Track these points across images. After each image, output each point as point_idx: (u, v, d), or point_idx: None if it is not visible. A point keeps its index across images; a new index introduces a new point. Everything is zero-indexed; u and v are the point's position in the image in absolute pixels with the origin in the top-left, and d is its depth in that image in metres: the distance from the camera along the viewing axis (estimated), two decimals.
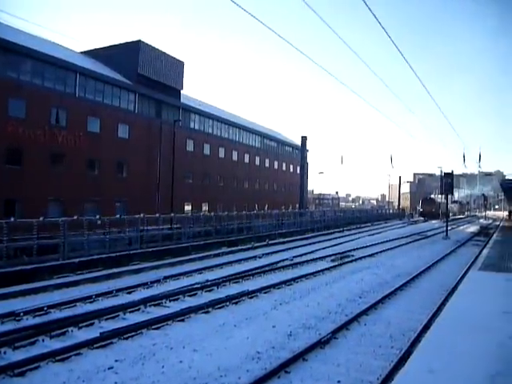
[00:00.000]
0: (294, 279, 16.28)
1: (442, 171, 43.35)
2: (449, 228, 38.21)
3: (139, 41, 36.16)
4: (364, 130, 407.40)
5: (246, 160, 51.72)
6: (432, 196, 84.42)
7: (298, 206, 50.55)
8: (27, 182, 25.81)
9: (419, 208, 78.76)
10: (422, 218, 70.51)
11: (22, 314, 10.92)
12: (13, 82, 25.95)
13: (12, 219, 16.71)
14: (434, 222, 61.47)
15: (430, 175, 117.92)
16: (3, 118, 25.14)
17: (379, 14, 13.51)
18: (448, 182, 37.05)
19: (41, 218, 17.24)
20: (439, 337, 8.05)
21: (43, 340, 9.29)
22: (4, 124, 25.09)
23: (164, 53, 38.54)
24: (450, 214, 61.15)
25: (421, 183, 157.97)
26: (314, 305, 12.66)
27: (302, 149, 51.70)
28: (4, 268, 14.72)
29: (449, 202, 44.54)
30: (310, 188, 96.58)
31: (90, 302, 12.61)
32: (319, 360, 8.42)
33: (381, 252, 25.23)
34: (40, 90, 27.52)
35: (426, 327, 9.71)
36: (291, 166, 63.30)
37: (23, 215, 21.66)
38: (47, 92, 27.90)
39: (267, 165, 56.82)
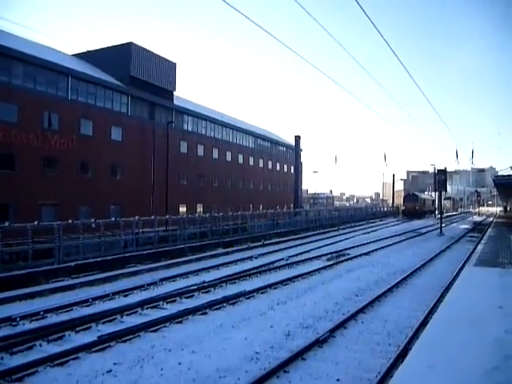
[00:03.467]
0: (291, 279, 16.26)
1: (435, 168, 43.58)
2: (443, 225, 38.40)
3: (131, 43, 36.08)
4: (358, 128, 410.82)
5: (240, 161, 51.71)
6: (416, 192, 78.52)
7: (292, 205, 50.60)
8: (20, 186, 25.66)
9: (402, 206, 69.16)
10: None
11: (18, 319, 10.85)
12: (4, 86, 25.78)
13: (6, 224, 16.58)
14: (426, 220, 61.05)
15: (424, 172, 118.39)
16: None
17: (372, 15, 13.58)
18: (441, 178, 37.22)
19: (35, 223, 17.13)
20: (436, 333, 8.09)
21: (40, 345, 9.23)
22: None
23: (156, 54, 38.48)
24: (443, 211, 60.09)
25: (414, 180, 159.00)
26: (311, 304, 12.66)
27: (296, 148, 51.82)
28: None
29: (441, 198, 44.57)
30: (304, 187, 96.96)
31: (87, 306, 12.54)
32: (318, 359, 8.43)
33: (376, 250, 25.31)
34: (32, 93, 27.36)
35: (423, 324, 9.75)
36: (285, 166, 63.37)
37: (17, 220, 21.52)
38: (39, 95, 27.74)
39: (261, 165, 56.85)
